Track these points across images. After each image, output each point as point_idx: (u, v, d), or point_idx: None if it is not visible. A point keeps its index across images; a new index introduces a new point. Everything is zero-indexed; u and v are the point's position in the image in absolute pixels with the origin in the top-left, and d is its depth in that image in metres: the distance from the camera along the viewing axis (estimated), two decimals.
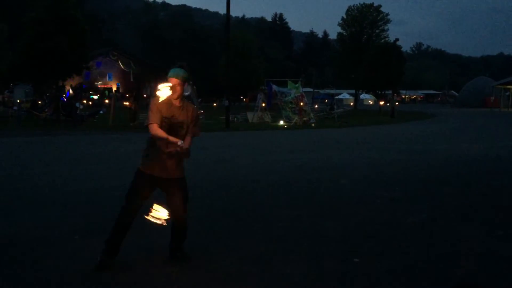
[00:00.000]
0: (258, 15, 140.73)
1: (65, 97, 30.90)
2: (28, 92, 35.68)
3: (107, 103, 39.52)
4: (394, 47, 47.98)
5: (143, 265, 4.17)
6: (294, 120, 27.22)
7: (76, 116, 24.39)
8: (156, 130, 3.89)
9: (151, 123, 3.91)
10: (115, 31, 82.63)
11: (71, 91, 38.29)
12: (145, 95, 57.03)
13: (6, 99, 38.55)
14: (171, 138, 3.88)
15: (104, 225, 4.52)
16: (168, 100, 4.00)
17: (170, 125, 3.98)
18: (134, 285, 3.77)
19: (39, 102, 32.38)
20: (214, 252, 4.58)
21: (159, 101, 3.97)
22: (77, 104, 27.15)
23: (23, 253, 4.47)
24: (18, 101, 31.20)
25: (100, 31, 63.00)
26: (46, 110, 26.74)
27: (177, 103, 4.04)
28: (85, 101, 33.71)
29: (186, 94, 35.31)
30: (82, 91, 43.42)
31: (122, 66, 50.97)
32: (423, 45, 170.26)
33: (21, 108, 26.43)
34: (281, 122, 27.27)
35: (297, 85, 29.13)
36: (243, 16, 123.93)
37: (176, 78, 3.97)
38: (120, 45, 65.19)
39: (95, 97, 47.33)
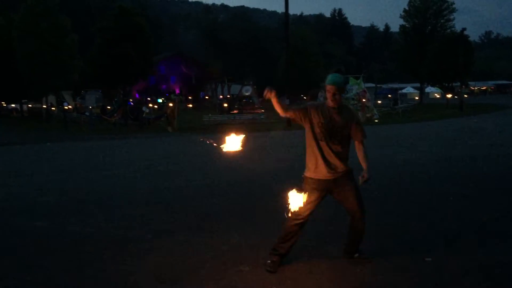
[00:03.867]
0: (316, 12, 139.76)
1: (132, 101, 32.21)
2: (98, 98, 37.54)
3: (170, 106, 40.69)
4: (461, 37, 45.83)
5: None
6: None
7: (142, 119, 25.38)
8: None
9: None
10: (177, 35, 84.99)
11: (136, 96, 39.76)
12: (207, 97, 58.30)
13: (78, 106, 40.73)
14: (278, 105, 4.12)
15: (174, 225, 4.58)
16: (324, 104, 3.94)
17: (328, 129, 3.88)
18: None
19: (108, 107, 33.95)
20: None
21: (313, 104, 4.01)
22: (144, 108, 28.22)
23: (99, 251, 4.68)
24: (89, 107, 32.91)
25: (163, 36, 64.92)
26: (115, 114, 28.02)
27: (334, 106, 3.89)
28: (151, 105, 34.92)
29: (247, 94, 35.75)
30: (147, 95, 45.03)
31: (184, 70, 52.33)
32: (493, 33, 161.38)
33: (92, 114, 27.87)
34: None
35: (358, 81, 28.61)
36: (301, 13, 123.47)
37: (333, 85, 3.79)
38: (182, 49, 66.92)
39: (160, 100, 49.01)
